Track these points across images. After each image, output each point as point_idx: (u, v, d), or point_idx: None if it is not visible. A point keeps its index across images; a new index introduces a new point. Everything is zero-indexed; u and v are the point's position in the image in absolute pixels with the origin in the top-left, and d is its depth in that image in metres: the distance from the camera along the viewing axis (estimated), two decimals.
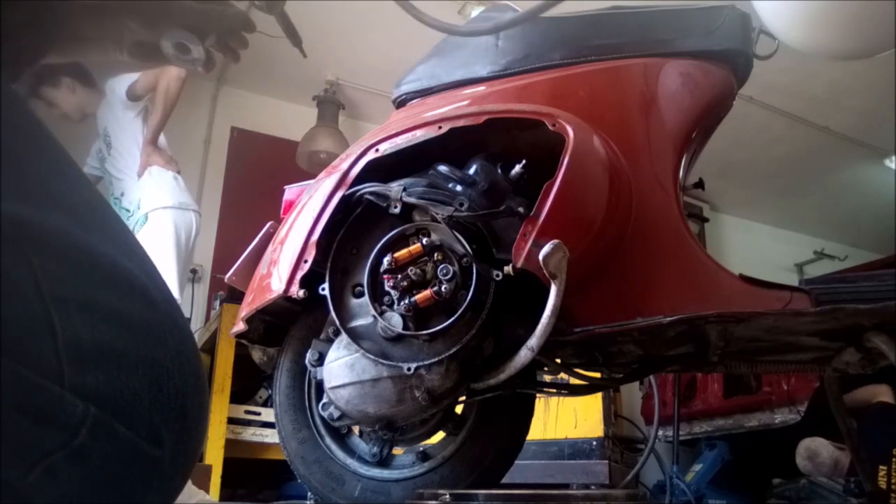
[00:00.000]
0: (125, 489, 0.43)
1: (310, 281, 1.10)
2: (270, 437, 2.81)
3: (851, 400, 2.43)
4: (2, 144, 0.43)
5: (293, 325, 1.24)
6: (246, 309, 1.19)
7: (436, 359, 1.02)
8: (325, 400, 1.13)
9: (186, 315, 3.39)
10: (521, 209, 1.04)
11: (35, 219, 0.41)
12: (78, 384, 0.40)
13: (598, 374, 1.38)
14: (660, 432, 3.03)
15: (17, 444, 0.38)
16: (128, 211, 2.98)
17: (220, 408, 2.72)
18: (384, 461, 1.18)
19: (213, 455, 2.61)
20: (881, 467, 1.92)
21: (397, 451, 1.23)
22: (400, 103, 1.36)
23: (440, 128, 1.11)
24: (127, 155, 3.02)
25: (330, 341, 1.12)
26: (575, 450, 2.91)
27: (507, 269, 1.03)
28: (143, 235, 2.83)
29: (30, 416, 0.38)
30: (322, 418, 1.17)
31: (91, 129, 3.16)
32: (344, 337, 1.07)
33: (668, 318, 1.01)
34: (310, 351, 1.15)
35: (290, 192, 1.28)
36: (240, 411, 2.86)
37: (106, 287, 0.44)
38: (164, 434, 0.44)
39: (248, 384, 3.03)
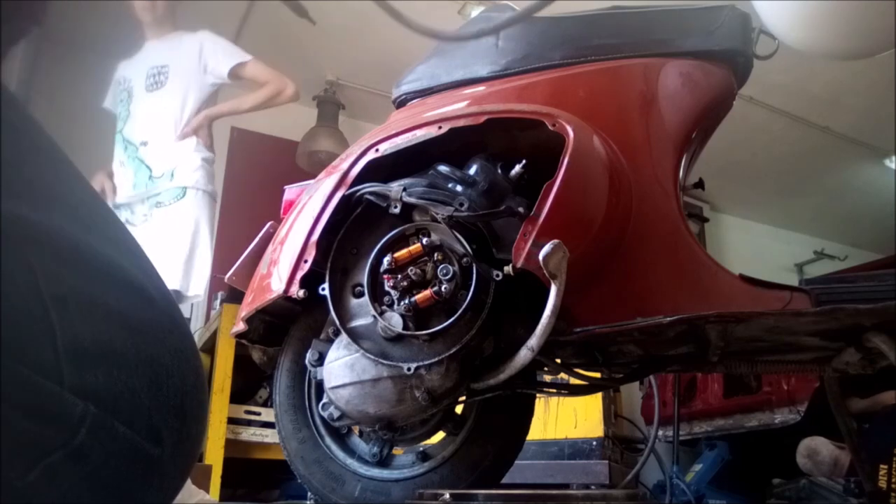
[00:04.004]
0: (125, 488, 0.43)
1: (310, 281, 1.10)
2: (270, 437, 2.81)
3: (872, 403, 2.44)
4: (2, 145, 0.43)
5: (293, 325, 1.24)
6: (246, 309, 1.19)
7: (436, 359, 1.02)
8: (325, 400, 1.13)
9: (186, 315, 3.38)
10: (521, 209, 1.04)
11: (34, 219, 0.41)
12: (77, 383, 0.40)
13: (598, 374, 1.38)
14: (660, 432, 3.03)
15: (18, 443, 0.38)
16: (146, 167, 2.65)
17: (220, 408, 2.72)
18: (384, 461, 1.18)
19: (213, 455, 2.61)
20: (882, 466, 1.92)
21: (397, 451, 1.23)
22: (400, 103, 1.36)
23: (440, 128, 1.11)
24: (174, 107, 2.67)
25: (330, 341, 1.12)
26: (575, 450, 2.91)
27: (507, 269, 1.03)
28: (178, 209, 2.58)
29: (30, 415, 0.38)
30: (322, 418, 1.17)
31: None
32: (344, 337, 1.07)
33: (669, 318, 1.01)
34: (310, 351, 1.15)
35: (290, 192, 1.28)
36: (240, 411, 2.86)
37: (105, 286, 0.44)
38: (163, 433, 0.44)
39: (248, 384, 3.02)
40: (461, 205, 1.05)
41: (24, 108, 0.50)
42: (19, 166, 0.44)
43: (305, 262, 1.09)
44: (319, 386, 1.15)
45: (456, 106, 1.23)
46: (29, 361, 0.38)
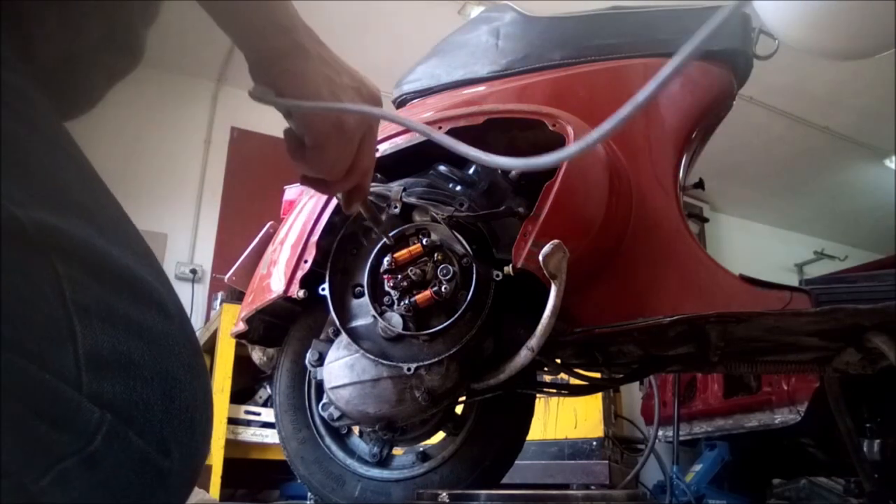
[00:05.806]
0: (133, 499, 0.43)
1: (310, 281, 1.10)
2: (270, 437, 2.81)
3: None
4: (34, 154, 0.43)
5: (293, 325, 1.24)
6: (246, 309, 1.19)
7: (436, 359, 1.02)
8: (325, 400, 1.12)
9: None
10: (521, 209, 1.04)
11: (62, 227, 0.41)
12: (96, 391, 0.40)
13: (598, 374, 1.38)
14: (660, 432, 3.03)
15: (34, 446, 0.38)
16: None
17: (220, 408, 2.72)
18: (384, 461, 1.18)
19: (214, 455, 2.61)
20: None
21: (397, 451, 1.23)
22: (400, 103, 1.36)
23: (440, 128, 1.11)
24: None
25: (330, 341, 1.12)
26: (575, 450, 2.91)
27: (507, 269, 1.02)
28: None
29: (48, 419, 0.38)
30: (322, 418, 1.17)
31: None
32: (344, 337, 1.07)
33: (669, 318, 1.01)
34: (310, 351, 1.14)
35: (290, 192, 1.28)
36: (240, 411, 2.86)
37: (126, 297, 0.44)
38: (172, 446, 0.44)
39: (248, 384, 3.03)
40: (461, 205, 1.05)
41: (57, 119, 0.50)
42: (49, 175, 0.44)
43: (305, 262, 1.09)
44: (319, 386, 1.14)
45: (456, 106, 1.23)
46: (50, 367, 0.39)
